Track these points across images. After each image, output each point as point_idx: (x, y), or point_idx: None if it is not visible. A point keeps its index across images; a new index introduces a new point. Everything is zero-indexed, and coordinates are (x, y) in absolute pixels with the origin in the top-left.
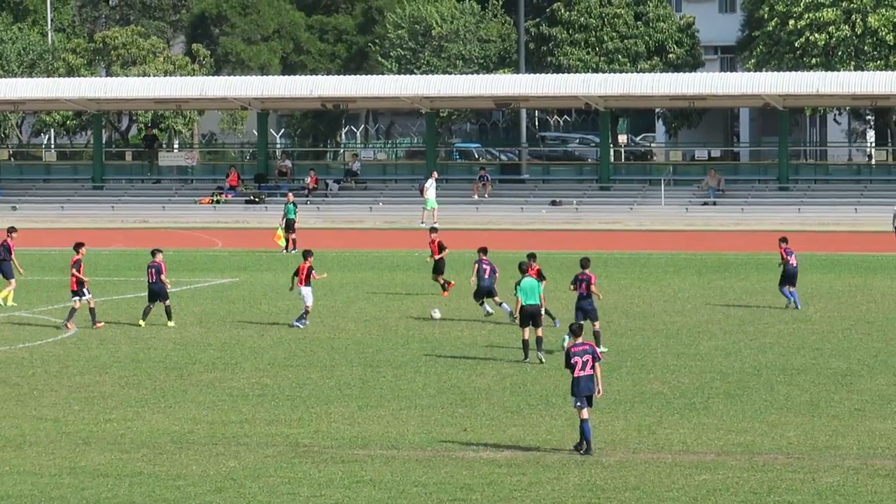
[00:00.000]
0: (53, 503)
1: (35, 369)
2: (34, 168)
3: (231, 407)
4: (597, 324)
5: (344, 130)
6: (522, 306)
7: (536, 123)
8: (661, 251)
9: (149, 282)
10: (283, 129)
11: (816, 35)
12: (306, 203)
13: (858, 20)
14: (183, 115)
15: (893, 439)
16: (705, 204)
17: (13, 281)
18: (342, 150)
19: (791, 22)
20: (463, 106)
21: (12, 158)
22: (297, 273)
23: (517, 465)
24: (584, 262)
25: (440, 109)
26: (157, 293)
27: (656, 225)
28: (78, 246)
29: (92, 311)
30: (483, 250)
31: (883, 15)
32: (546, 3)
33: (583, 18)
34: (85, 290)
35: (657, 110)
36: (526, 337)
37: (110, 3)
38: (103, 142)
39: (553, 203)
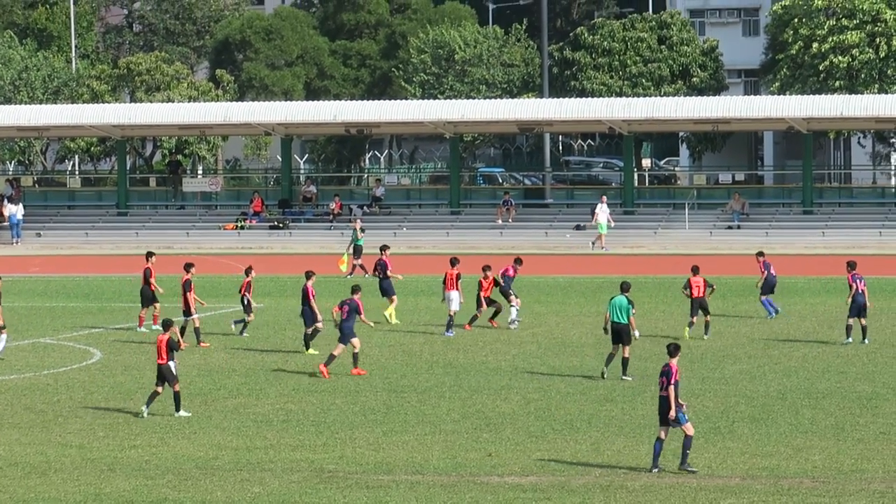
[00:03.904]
0: None
1: (60, 395)
2: (58, 194)
3: (256, 433)
4: (864, 320)
5: (368, 155)
6: (612, 323)
7: (560, 148)
8: (685, 275)
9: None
10: (306, 155)
11: (840, 58)
12: (330, 228)
13: (882, 43)
14: (207, 140)
15: None
16: (729, 228)
17: (395, 297)
18: (366, 176)
19: (815, 45)
20: (486, 130)
21: (37, 185)
22: (445, 280)
23: (542, 490)
24: (853, 265)
25: (464, 134)
26: (305, 317)
27: (680, 249)
28: (188, 266)
29: (196, 330)
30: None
31: None
32: (569, 27)
33: (606, 42)
34: (192, 311)
35: (681, 134)
36: (614, 352)
37: (134, 29)
38: (127, 168)
39: (577, 227)
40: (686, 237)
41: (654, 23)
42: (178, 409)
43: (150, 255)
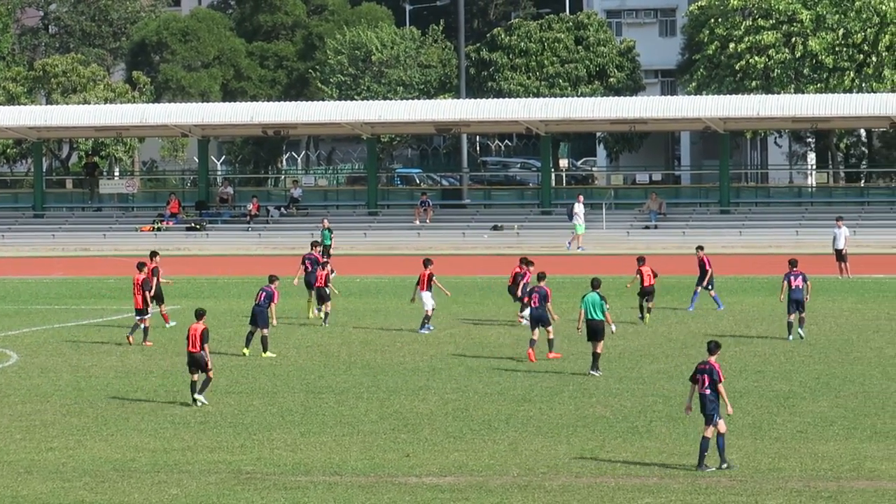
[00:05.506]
0: None
1: None
2: None
3: (173, 434)
4: (803, 314)
5: (285, 157)
6: (586, 320)
7: (478, 148)
8: (602, 275)
9: (254, 304)
10: (223, 156)
11: (756, 58)
12: (248, 230)
13: (798, 43)
14: (123, 142)
15: (835, 461)
16: (647, 227)
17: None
18: (283, 177)
19: (731, 45)
20: (404, 131)
21: None
22: (418, 281)
23: (460, 490)
24: (794, 262)
25: (381, 135)
26: (256, 316)
27: (598, 249)
28: (141, 266)
29: (146, 329)
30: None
31: (823, 38)
32: (486, 28)
33: (523, 43)
34: (149, 310)
35: (598, 134)
36: (597, 350)
37: (50, 30)
38: (44, 170)
39: (495, 228)
40: (604, 237)
41: (570, 23)
42: (200, 392)
43: (154, 254)
